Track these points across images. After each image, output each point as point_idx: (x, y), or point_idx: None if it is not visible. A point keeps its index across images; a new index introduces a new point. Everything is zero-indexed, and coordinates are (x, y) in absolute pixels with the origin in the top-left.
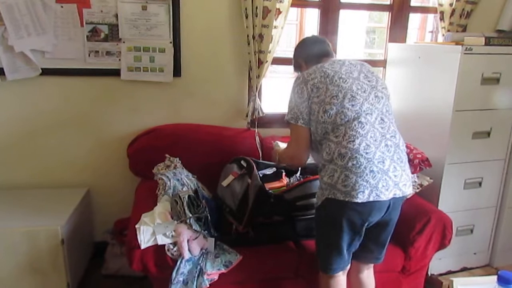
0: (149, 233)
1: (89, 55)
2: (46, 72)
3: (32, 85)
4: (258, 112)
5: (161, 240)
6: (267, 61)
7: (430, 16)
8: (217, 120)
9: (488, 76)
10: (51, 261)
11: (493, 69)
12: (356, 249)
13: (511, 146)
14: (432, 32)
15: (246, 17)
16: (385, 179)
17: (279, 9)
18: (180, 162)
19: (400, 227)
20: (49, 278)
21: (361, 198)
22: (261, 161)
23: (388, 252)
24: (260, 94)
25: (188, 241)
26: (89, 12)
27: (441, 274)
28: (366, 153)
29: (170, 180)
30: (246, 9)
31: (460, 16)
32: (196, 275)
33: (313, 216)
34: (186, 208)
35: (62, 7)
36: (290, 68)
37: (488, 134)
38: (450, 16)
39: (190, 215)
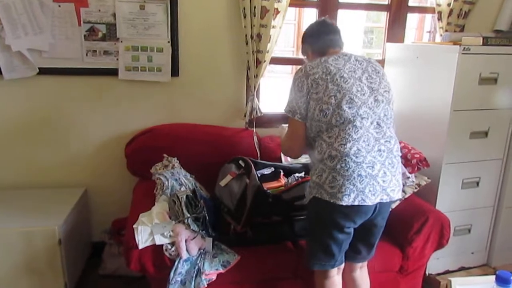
0: (147, 233)
1: (86, 55)
2: (43, 71)
3: (30, 84)
4: (256, 112)
5: (159, 240)
6: (265, 61)
7: (428, 16)
8: (215, 120)
9: (486, 76)
10: (48, 261)
11: (491, 69)
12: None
13: (509, 146)
14: (430, 32)
15: (244, 17)
16: (373, 184)
17: (277, 8)
18: (178, 162)
19: (398, 227)
20: (47, 278)
21: (346, 201)
22: (259, 161)
23: (386, 252)
24: (258, 93)
25: (186, 241)
26: (87, 11)
27: (439, 274)
28: (356, 157)
29: (168, 180)
30: (244, 8)
31: (458, 16)
32: (194, 275)
33: None
34: (184, 208)
35: (59, 6)
36: (288, 68)
37: (486, 134)
38: (448, 16)
39: (188, 215)
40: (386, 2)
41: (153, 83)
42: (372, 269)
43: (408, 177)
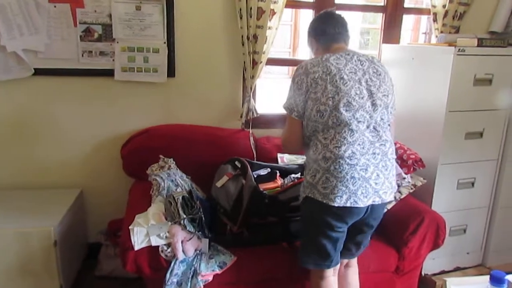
0: (143, 234)
1: (82, 55)
2: (39, 72)
3: (25, 85)
4: (253, 112)
5: (155, 241)
6: (261, 62)
7: (424, 18)
8: (212, 121)
9: (481, 77)
10: (44, 262)
11: (486, 70)
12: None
13: (504, 147)
14: (425, 33)
15: (241, 18)
16: (365, 186)
17: (273, 10)
18: (174, 163)
19: (394, 227)
20: (42, 279)
21: (338, 202)
22: (255, 161)
23: (381, 252)
24: (255, 94)
25: (182, 242)
26: (83, 12)
27: (434, 274)
28: (350, 159)
29: (164, 181)
30: (240, 9)
31: (453, 18)
32: (190, 276)
33: None
34: (180, 209)
35: (55, 7)
36: (285, 69)
37: (481, 134)
38: (443, 18)
39: (184, 216)
40: (382, 4)
41: (149, 84)
42: (367, 269)
43: (404, 178)
